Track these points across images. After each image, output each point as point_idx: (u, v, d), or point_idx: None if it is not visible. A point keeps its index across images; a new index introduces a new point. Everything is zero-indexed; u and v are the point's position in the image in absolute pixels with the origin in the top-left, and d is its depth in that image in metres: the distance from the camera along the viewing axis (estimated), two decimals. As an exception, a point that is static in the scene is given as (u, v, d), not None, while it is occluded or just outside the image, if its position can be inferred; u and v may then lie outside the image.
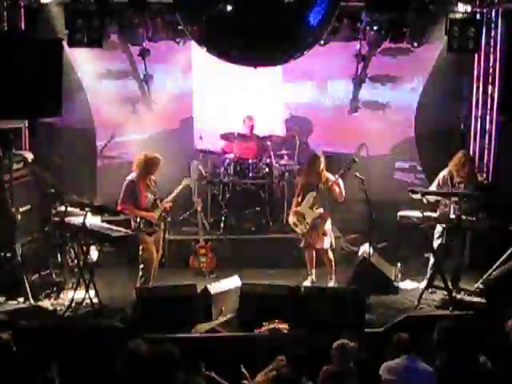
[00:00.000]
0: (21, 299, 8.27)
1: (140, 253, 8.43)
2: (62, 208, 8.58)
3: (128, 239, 8.27)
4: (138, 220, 8.36)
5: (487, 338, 6.53)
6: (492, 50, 10.67)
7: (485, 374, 5.76)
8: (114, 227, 8.30)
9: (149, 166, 8.41)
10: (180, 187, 8.89)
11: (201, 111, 11.82)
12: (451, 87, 11.38)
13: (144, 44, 9.90)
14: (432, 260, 8.75)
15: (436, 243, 8.69)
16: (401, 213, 8.71)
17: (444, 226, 8.50)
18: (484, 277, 8.67)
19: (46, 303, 8.27)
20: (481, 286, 8.63)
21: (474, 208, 8.44)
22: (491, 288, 8.37)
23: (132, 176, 8.42)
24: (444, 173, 8.76)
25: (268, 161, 10.61)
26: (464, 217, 8.26)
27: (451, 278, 8.61)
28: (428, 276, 8.74)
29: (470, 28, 9.08)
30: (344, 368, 5.80)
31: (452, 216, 8.45)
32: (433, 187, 8.83)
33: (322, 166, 8.76)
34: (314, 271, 8.98)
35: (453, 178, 8.67)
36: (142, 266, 8.45)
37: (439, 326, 6.06)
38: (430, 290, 8.57)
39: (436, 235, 8.73)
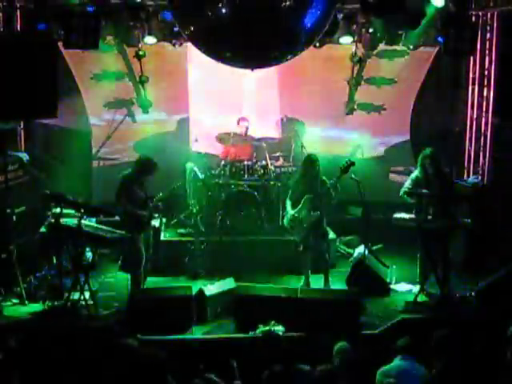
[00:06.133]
0: (16, 300, 8.27)
1: (129, 250, 8.44)
2: (58, 209, 8.56)
3: (123, 241, 8.27)
4: (130, 216, 8.36)
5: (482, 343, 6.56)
6: (487, 52, 10.70)
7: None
8: (109, 228, 8.29)
9: (143, 168, 8.45)
10: (171, 188, 8.91)
11: (196, 113, 11.80)
12: (447, 89, 11.41)
13: (140, 45, 9.91)
14: (422, 262, 8.78)
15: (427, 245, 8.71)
16: (396, 215, 8.71)
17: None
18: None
19: (41, 305, 8.24)
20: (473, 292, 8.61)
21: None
22: (483, 294, 8.36)
23: (128, 172, 8.47)
24: (417, 173, 8.73)
25: (263, 162, 10.60)
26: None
27: (441, 279, 8.61)
28: (420, 278, 8.75)
29: (465, 30, 9.09)
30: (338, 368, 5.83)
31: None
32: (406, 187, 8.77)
33: (318, 168, 8.76)
34: (309, 273, 8.97)
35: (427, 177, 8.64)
36: (131, 264, 8.46)
37: (436, 333, 6.09)
38: (424, 292, 8.57)
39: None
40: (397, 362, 6.00)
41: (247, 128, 10.81)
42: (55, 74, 8.07)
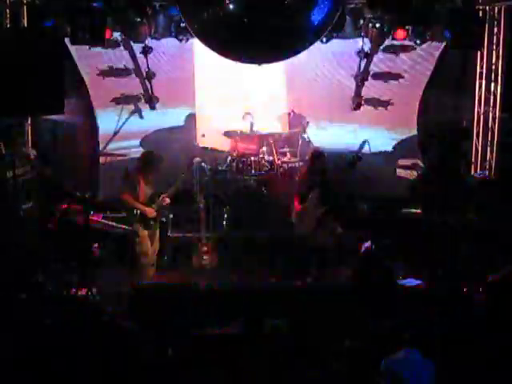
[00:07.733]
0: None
1: (135, 246, 8.48)
2: (65, 205, 8.59)
3: (129, 236, 8.30)
4: (135, 212, 8.41)
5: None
6: (495, 47, 10.66)
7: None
8: (116, 224, 8.33)
9: (148, 164, 8.49)
10: (177, 183, 8.92)
11: (203, 108, 11.79)
12: (454, 84, 11.37)
13: (146, 41, 9.92)
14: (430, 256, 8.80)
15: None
16: (404, 209, 8.71)
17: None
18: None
19: (48, 299, 8.26)
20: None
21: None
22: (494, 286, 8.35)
23: (134, 168, 8.52)
24: None
25: (270, 158, 10.60)
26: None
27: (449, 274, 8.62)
28: (427, 273, 8.75)
29: (473, 25, 9.06)
30: None
31: None
32: None
33: (325, 163, 8.75)
34: (317, 268, 8.98)
35: None
36: (137, 259, 8.50)
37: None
38: (431, 287, 8.56)
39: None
40: (403, 353, 6.01)
41: (252, 123, 10.81)
42: (62, 70, 8.09)
